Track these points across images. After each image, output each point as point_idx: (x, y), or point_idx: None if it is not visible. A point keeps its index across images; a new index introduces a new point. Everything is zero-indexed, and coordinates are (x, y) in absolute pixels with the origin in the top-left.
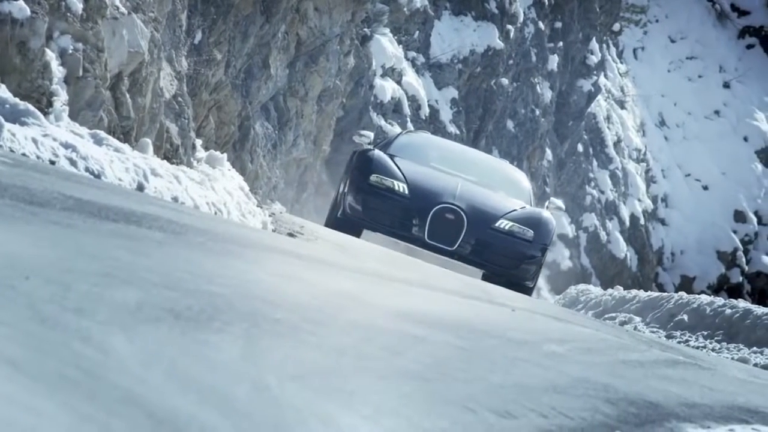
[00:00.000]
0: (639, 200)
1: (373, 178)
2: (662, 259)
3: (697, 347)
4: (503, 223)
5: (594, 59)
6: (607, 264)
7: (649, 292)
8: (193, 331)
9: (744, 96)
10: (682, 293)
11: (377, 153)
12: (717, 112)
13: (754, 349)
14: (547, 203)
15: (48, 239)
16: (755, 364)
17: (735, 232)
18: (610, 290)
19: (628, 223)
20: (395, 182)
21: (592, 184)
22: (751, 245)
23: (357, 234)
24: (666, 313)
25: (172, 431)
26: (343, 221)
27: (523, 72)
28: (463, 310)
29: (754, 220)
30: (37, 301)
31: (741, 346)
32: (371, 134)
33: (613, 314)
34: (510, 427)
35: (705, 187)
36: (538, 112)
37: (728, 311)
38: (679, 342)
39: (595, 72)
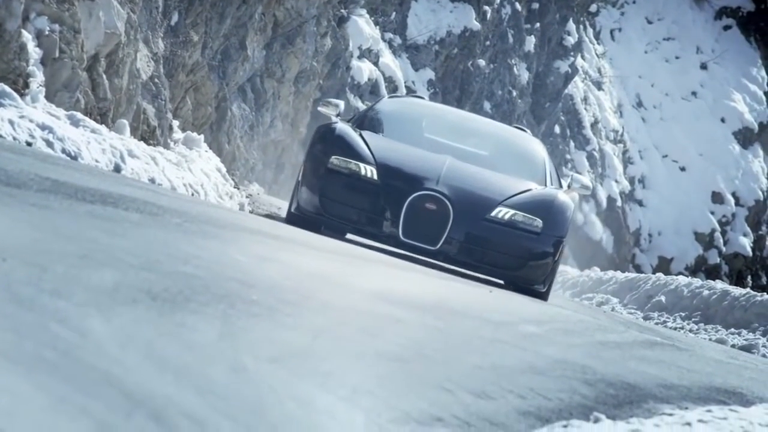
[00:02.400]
0: (616, 181)
1: (334, 160)
2: (639, 240)
3: (675, 328)
4: (502, 212)
5: (571, 40)
6: (584, 246)
7: (626, 274)
8: (170, 313)
9: (721, 77)
10: (660, 274)
11: (341, 127)
12: (694, 93)
13: (732, 330)
14: (568, 181)
15: (25, 221)
16: (732, 345)
17: (712, 213)
18: (587, 271)
19: (605, 204)
20: (362, 165)
21: (570, 165)
22: (728, 226)
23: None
24: (643, 295)
25: (150, 412)
26: (298, 218)
27: (500, 53)
28: (441, 290)
29: (732, 201)
30: (14, 282)
31: (718, 327)
32: (341, 103)
33: (591, 295)
34: (488, 408)
35: (682, 168)
36: (515, 94)
37: (706, 292)
38: (656, 323)
39: (572, 53)
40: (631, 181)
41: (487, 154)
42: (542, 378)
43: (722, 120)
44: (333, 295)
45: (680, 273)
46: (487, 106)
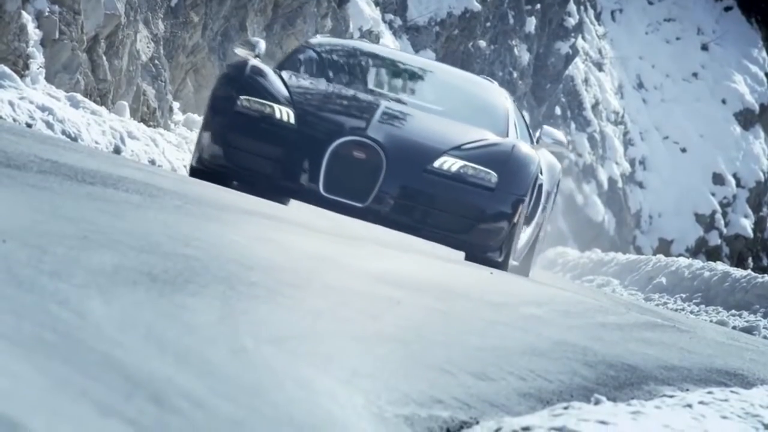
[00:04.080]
0: (617, 163)
1: (243, 101)
2: (640, 222)
3: (676, 310)
4: (447, 163)
5: (572, 21)
6: (584, 227)
7: (627, 255)
8: (170, 294)
9: (722, 58)
10: (660, 256)
11: (253, 63)
12: (695, 75)
13: (733, 311)
14: (538, 133)
15: (24, 202)
16: (733, 327)
17: (713, 194)
18: (588, 253)
19: (606, 186)
20: (276, 107)
21: (570, 147)
22: (729, 208)
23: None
24: (644, 276)
25: (149, 394)
26: (201, 174)
27: (500, 34)
28: (440, 272)
29: (733, 182)
30: (14, 264)
31: (719, 309)
32: (261, 42)
33: (591, 277)
34: (488, 389)
35: (683, 150)
36: (515, 75)
37: (706, 274)
38: (657, 305)
39: (572, 34)
40: (632, 162)
41: (436, 106)
42: (543, 359)
43: (723, 101)
44: (332, 277)
45: (681, 254)
46: None
